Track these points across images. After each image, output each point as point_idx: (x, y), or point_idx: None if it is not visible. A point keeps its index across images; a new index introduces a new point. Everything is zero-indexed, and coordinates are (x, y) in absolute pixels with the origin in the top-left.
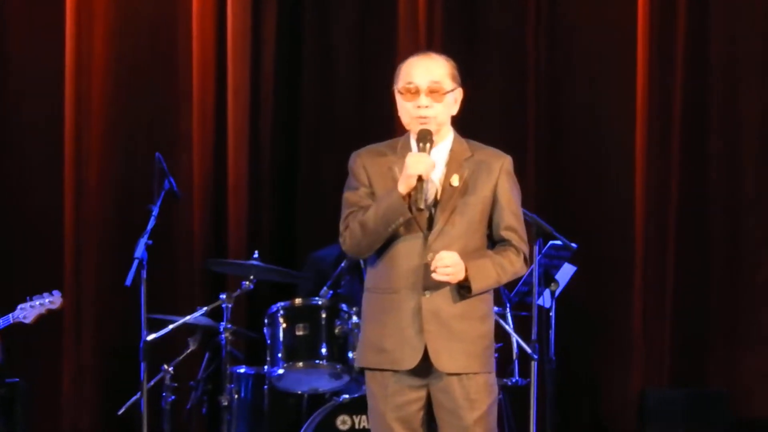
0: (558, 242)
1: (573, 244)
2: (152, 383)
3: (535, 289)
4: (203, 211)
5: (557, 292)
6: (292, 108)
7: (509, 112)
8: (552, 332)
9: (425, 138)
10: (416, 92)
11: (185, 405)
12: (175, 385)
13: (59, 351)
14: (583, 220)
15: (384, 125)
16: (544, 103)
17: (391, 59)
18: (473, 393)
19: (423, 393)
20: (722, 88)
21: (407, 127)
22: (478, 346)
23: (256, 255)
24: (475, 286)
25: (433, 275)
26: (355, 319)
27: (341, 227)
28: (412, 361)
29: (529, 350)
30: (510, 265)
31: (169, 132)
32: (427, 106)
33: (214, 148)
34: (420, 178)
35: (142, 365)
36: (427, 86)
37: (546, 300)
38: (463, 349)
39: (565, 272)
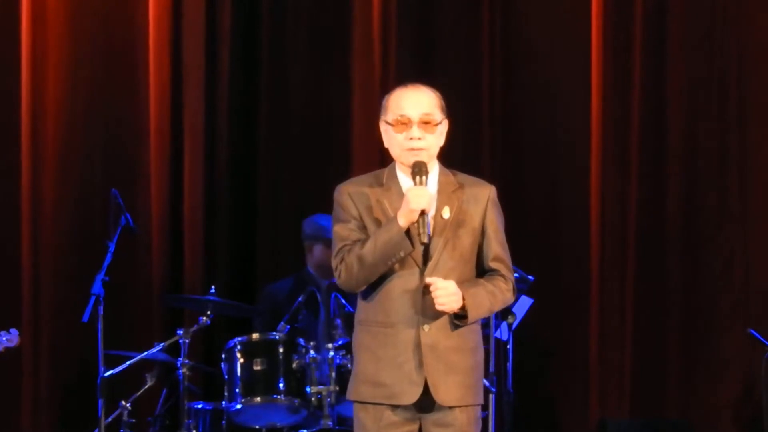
0: (515, 275)
1: (530, 277)
2: (110, 419)
3: (492, 322)
4: (161, 245)
5: (514, 325)
6: (248, 142)
7: (464, 148)
8: (509, 364)
9: (421, 170)
10: (408, 124)
11: None
12: (133, 420)
13: (17, 387)
14: (540, 252)
15: (342, 153)
16: (499, 136)
17: (347, 81)
18: (466, 426)
19: (415, 427)
20: (680, 112)
21: (397, 159)
22: (472, 377)
23: (212, 290)
24: (472, 315)
25: (437, 305)
26: (312, 353)
27: (334, 262)
28: (413, 395)
29: (486, 383)
30: (500, 293)
31: (126, 167)
32: (419, 138)
33: (171, 184)
34: (422, 212)
35: (100, 402)
36: (419, 118)
37: (503, 333)
38: (460, 381)
39: (522, 305)
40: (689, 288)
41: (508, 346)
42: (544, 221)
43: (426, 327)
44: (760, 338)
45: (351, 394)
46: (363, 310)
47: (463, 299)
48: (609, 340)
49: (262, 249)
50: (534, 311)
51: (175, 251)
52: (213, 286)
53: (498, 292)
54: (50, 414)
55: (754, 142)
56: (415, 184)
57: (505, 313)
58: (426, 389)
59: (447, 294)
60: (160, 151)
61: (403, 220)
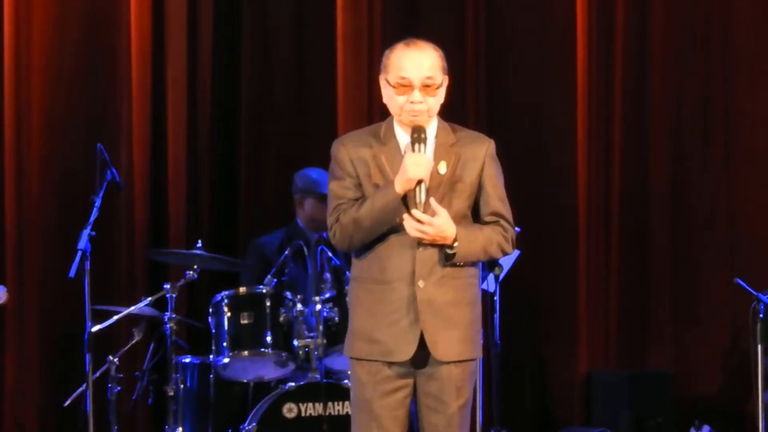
0: None
1: (516, 228)
2: (98, 374)
3: (479, 274)
4: (144, 200)
5: (501, 276)
6: (231, 96)
7: (449, 105)
8: (497, 316)
9: (420, 136)
10: (409, 87)
11: (131, 396)
12: (121, 375)
13: (1, 344)
14: (526, 204)
15: (322, 111)
16: (483, 94)
17: (330, 43)
18: (460, 380)
19: (410, 381)
20: (661, 82)
21: (396, 117)
22: (471, 331)
23: (199, 244)
24: (461, 249)
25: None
26: (299, 306)
27: (330, 220)
28: (407, 352)
29: None
30: (497, 237)
31: (109, 123)
32: (420, 102)
33: (153, 138)
34: (419, 181)
35: (87, 357)
36: (421, 81)
37: (490, 284)
38: (458, 336)
39: (509, 257)
40: (675, 238)
41: (495, 298)
42: (530, 174)
43: (421, 283)
44: (747, 287)
45: (347, 350)
46: (358, 266)
47: (456, 233)
48: (594, 293)
49: (244, 203)
50: (521, 263)
51: (158, 206)
52: (200, 240)
53: (494, 236)
54: (36, 369)
55: (739, 90)
56: (414, 151)
57: (492, 264)
58: (422, 345)
59: (440, 222)
60: (143, 106)
61: (399, 187)
